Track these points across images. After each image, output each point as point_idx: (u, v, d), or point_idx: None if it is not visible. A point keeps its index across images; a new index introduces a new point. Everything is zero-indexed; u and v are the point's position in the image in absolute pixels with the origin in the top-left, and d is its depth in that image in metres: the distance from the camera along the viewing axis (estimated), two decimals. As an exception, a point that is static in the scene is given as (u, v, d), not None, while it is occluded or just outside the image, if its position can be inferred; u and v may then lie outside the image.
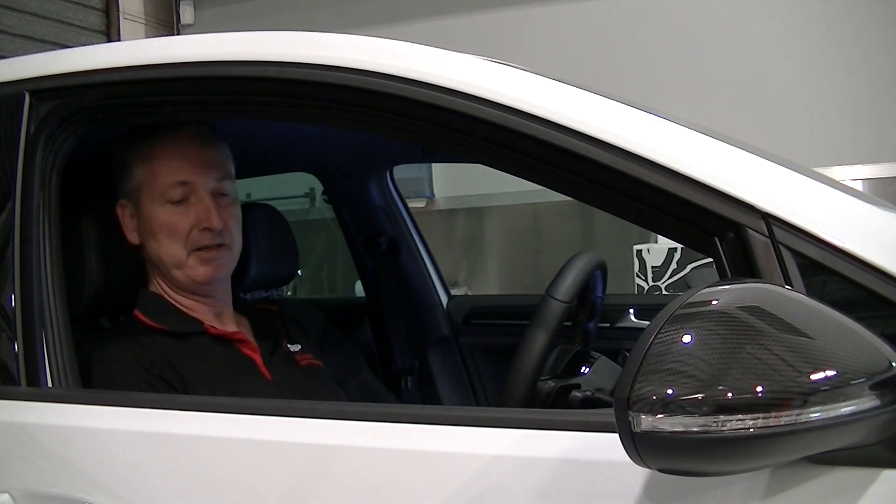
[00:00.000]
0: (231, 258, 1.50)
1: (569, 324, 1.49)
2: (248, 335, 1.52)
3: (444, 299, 2.32)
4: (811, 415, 0.74)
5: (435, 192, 4.32)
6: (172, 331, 1.43)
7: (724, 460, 0.76)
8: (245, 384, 1.41)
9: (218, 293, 1.52)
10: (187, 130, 1.47)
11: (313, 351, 1.60)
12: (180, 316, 1.46)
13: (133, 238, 1.48)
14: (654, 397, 0.75)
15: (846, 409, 0.74)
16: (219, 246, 1.46)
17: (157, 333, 1.42)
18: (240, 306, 1.58)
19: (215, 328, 1.47)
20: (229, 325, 1.52)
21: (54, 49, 1.35)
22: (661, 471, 0.79)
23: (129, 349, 1.38)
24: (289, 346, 1.57)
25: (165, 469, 1.07)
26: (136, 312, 1.46)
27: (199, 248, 1.44)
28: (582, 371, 1.44)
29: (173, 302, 1.48)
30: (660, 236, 3.14)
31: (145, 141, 1.46)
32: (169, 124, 1.47)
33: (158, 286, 1.49)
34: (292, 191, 4.14)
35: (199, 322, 1.46)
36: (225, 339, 1.47)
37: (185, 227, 1.43)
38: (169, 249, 1.44)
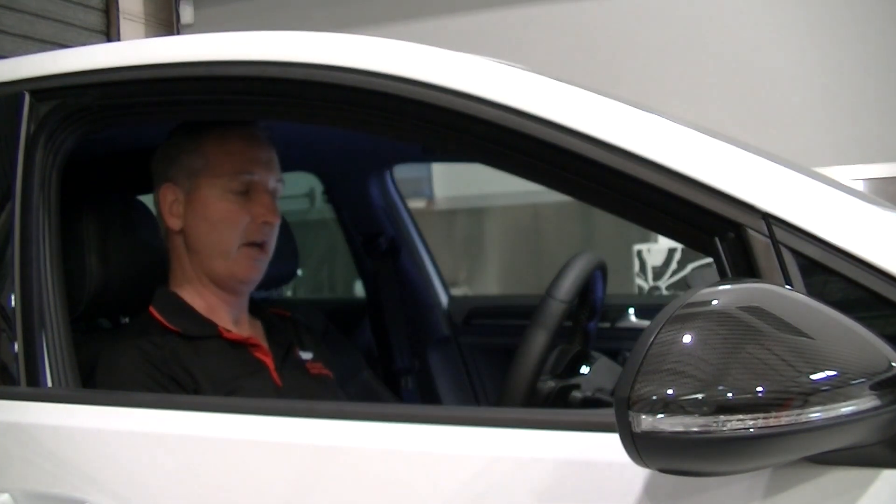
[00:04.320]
0: (266, 261, 1.51)
1: (569, 324, 1.49)
2: (261, 340, 1.52)
3: (444, 299, 2.32)
4: (811, 415, 0.74)
5: (435, 192, 4.31)
6: (185, 333, 1.43)
7: (725, 460, 0.76)
8: (255, 389, 1.40)
9: (243, 294, 1.52)
10: (252, 130, 1.49)
11: (324, 359, 1.60)
12: (195, 318, 1.46)
13: (174, 223, 1.47)
14: (655, 397, 0.75)
15: (846, 409, 0.75)
16: (263, 245, 1.47)
17: (170, 334, 1.42)
18: (253, 309, 1.57)
19: (230, 332, 1.47)
20: (244, 329, 1.52)
21: (54, 49, 1.35)
22: (661, 471, 0.80)
23: (141, 348, 1.38)
24: (300, 353, 1.56)
25: (165, 469, 1.07)
26: (152, 309, 1.46)
27: (250, 244, 1.45)
28: (582, 371, 1.44)
29: (191, 301, 1.47)
30: (660, 236, 3.14)
31: (210, 132, 1.47)
32: (233, 121, 1.47)
33: (183, 281, 1.48)
34: (292, 191, 4.14)
35: (213, 325, 1.46)
36: (238, 344, 1.47)
37: (244, 218, 1.44)
38: (221, 237, 1.44)
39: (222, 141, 1.46)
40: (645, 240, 3.43)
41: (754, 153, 0.96)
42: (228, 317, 1.49)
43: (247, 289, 1.52)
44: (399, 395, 2.13)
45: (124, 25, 3.65)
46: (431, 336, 2.29)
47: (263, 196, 1.46)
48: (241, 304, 1.53)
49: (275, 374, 1.46)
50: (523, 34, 3.35)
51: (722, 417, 0.74)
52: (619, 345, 1.93)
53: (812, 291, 0.86)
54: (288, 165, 2.33)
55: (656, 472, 0.83)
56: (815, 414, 0.74)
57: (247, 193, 1.46)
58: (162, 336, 1.41)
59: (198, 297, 1.48)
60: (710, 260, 0.95)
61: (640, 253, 3.35)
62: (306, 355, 1.57)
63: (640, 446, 0.76)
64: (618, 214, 1.01)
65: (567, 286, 1.36)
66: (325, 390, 1.53)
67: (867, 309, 0.85)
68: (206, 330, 1.45)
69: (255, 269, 1.48)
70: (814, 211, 0.89)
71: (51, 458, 1.13)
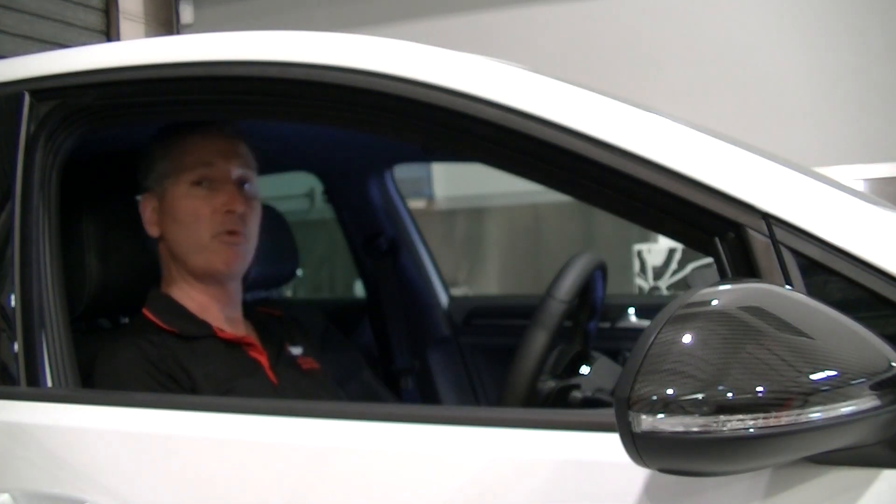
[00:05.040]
0: (248, 250, 1.51)
1: (569, 324, 1.49)
2: (255, 339, 1.53)
3: (444, 299, 2.32)
4: (811, 415, 0.74)
5: (435, 192, 4.31)
6: (181, 333, 1.43)
7: (724, 460, 0.76)
8: (252, 387, 1.41)
9: (231, 287, 1.52)
10: (213, 125, 1.50)
11: (313, 354, 1.61)
12: (189, 318, 1.46)
13: (153, 231, 1.49)
14: (655, 397, 0.75)
15: (846, 409, 0.74)
16: (238, 234, 1.47)
17: (165, 333, 1.43)
18: (244, 311, 1.58)
19: (224, 331, 1.47)
20: (238, 329, 1.53)
21: (54, 49, 1.35)
22: (661, 471, 0.80)
23: (139, 346, 1.38)
24: (291, 349, 1.57)
25: (165, 469, 1.07)
26: (146, 311, 1.46)
27: (221, 234, 1.46)
28: (582, 371, 1.45)
29: (184, 302, 1.48)
30: (660, 236, 3.14)
31: (174, 135, 1.49)
32: (196, 122, 1.49)
33: (172, 284, 1.49)
34: (292, 191, 4.14)
35: (208, 325, 1.46)
36: (233, 343, 1.47)
37: (207, 209, 1.45)
38: (191, 232, 1.45)
39: (183, 140, 1.48)
40: (645, 240, 3.43)
41: (754, 153, 0.96)
42: (221, 315, 1.50)
43: (231, 279, 1.52)
44: (399, 395, 2.13)
45: (124, 25, 3.65)
46: (431, 336, 2.29)
47: (226, 185, 1.47)
48: (233, 300, 1.53)
49: (270, 373, 1.47)
50: (524, 34, 3.35)
51: (722, 417, 0.74)
52: (619, 345, 1.93)
53: (812, 291, 0.86)
54: (288, 165, 2.34)
55: (656, 472, 0.83)
56: (815, 414, 0.74)
57: (209, 185, 1.46)
58: (159, 335, 1.42)
59: (188, 299, 1.49)
60: (710, 260, 0.95)
61: (640, 253, 3.34)
62: (296, 350, 1.58)
63: (640, 446, 0.76)
64: (618, 214, 1.01)
65: (567, 286, 1.37)
66: (318, 385, 1.53)
67: (867, 309, 0.85)
68: (200, 329, 1.45)
69: (233, 257, 1.47)
70: (814, 211, 0.89)
71: (51, 458, 1.13)
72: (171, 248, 1.49)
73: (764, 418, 0.74)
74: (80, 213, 1.46)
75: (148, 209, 1.50)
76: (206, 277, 1.48)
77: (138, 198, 1.55)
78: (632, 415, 0.76)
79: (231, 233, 1.46)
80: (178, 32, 3.92)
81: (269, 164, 2.25)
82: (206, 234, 1.45)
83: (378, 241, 2.24)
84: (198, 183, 1.46)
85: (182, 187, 1.46)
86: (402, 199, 2.33)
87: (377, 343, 2.25)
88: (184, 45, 1.25)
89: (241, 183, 1.49)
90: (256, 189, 1.53)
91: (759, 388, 0.74)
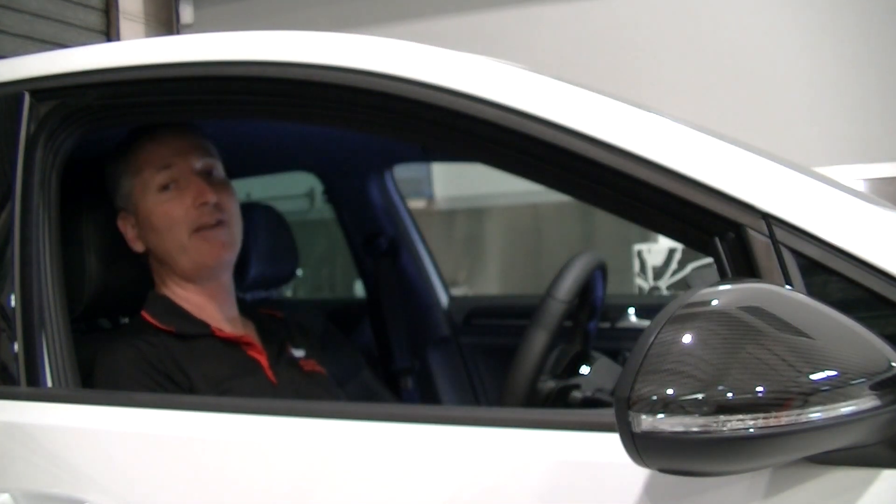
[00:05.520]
0: (233, 236, 1.50)
1: (569, 324, 1.49)
2: (254, 339, 1.53)
3: (444, 299, 2.32)
4: (811, 415, 0.74)
5: (435, 192, 4.31)
6: (179, 332, 1.44)
7: (724, 460, 0.76)
8: (251, 386, 1.41)
9: (224, 281, 1.52)
10: (162, 127, 1.50)
11: (316, 356, 1.61)
12: (187, 318, 1.46)
13: (138, 246, 1.49)
14: (655, 397, 0.75)
15: (846, 409, 0.75)
16: (218, 224, 1.46)
17: (164, 334, 1.43)
18: (245, 310, 1.58)
19: (222, 331, 1.47)
20: (237, 328, 1.53)
21: (54, 49, 1.35)
22: (661, 471, 0.80)
23: (137, 347, 1.38)
24: (293, 351, 1.57)
25: (165, 469, 1.07)
26: (144, 313, 1.46)
27: (200, 228, 1.45)
28: (582, 371, 1.45)
29: (181, 303, 1.48)
30: (660, 236, 3.14)
31: (128, 149, 1.49)
32: (146, 129, 1.49)
33: (166, 288, 1.50)
34: (292, 191, 4.14)
35: (206, 324, 1.46)
36: (232, 342, 1.47)
37: (180, 209, 1.45)
38: (171, 236, 1.45)
39: (137, 151, 1.48)
40: (645, 240, 3.43)
41: (754, 153, 0.96)
42: (219, 314, 1.50)
43: (223, 271, 1.51)
44: (399, 395, 2.13)
45: (124, 25, 3.65)
46: (431, 336, 2.29)
47: (191, 180, 1.46)
48: (228, 297, 1.53)
49: (269, 372, 1.47)
50: (524, 34, 3.35)
51: (722, 417, 0.74)
52: (619, 345, 1.93)
53: (812, 291, 0.86)
54: (288, 165, 2.34)
55: (656, 472, 0.83)
56: (815, 414, 0.74)
57: (176, 186, 1.46)
58: (156, 335, 1.42)
59: (185, 301, 1.49)
60: (710, 260, 0.95)
61: (640, 253, 3.34)
62: (299, 353, 1.58)
63: (640, 446, 0.76)
64: (618, 214, 1.01)
65: (567, 286, 1.36)
66: (319, 387, 1.53)
67: (867, 309, 0.85)
68: (199, 328, 1.46)
69: (218, 249, 1.47)
70: (814, 211, 0.89)
71: (51, 458, 1.13)
72: (158, 257, 1.49)
73: (764, 418, 0.74)
74: (80, 213, 1.46)
75: (127, 228, 1.49)
76: (197, 277, 1.48)
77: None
78: (632, 415, 0.76)
79: (209, 226, 1.45)
80: (178, 32, 3.92)
81: (270, 164, 2.27)
82: (185, 234, 1.45)
83: (378, 241, 2.24)
84: (164, 188, 1.46)
85: (150, 197, 1.46)
86: (402, 199, 2.33)
87: (377, 343, 2.25)
88: (184, 45, 1.24)
89: (206, 173, 1.48)
90: (224, 174, 1.53)
91: (759, 388, 0.74)
